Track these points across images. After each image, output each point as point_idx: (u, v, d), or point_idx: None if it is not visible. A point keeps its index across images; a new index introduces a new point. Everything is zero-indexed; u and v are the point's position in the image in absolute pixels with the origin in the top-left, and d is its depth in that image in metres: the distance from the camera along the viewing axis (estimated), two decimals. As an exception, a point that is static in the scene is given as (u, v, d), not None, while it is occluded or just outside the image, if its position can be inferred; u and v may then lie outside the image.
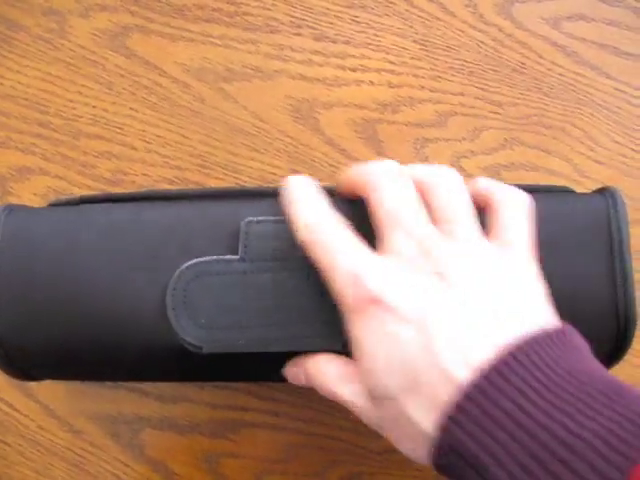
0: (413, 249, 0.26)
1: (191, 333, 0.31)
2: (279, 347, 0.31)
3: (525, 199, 0.30)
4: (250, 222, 0.32)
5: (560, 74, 0.45)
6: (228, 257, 0.32)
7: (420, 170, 0.29)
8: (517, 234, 0.28)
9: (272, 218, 0.32)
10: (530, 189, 0.36)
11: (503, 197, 0.29)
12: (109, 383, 0.43)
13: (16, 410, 0.43)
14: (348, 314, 0.27)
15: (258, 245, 0.32)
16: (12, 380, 0.43)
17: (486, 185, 0.30)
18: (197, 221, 0.33)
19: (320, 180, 0.43)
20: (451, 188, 0.29)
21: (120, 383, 0.43)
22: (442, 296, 0.25)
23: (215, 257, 0.32)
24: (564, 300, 0.32)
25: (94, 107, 0.46)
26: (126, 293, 0.32)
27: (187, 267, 0.31)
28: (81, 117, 0.46)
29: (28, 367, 0.35)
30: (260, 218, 0.32)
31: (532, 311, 0.26)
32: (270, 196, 0.35)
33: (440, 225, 0.28)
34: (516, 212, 0.29)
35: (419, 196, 0.28)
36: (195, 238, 0.32)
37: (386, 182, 0.28)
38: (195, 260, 0.32)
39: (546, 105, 0.45)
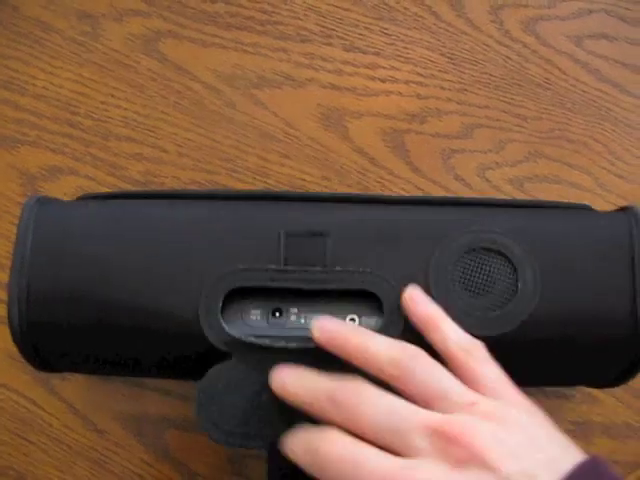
0: (435, 442, 0.24)
1: (221, 338, 0.31)
2: None
3: (479, 343, 0.29)
4: (288, 233, 0.33)
5: (583, 90, 0.47)
6: (260, 267, 0.32)
7: (380, 361, 0.28)
8: (498, 380, 0.27)
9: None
10: (551, 206, 0.37)
11: (462, 347, 0.29)
12: (134, 383, 0.43)
13: (40, 408, 0.43)
14: None
15: (297, 255, 0.32)
16: (37, 378, 0.43)
17: (442, 339, 0.29)
18: (230, 222, 0.34)
19: (349, 187, 0.44)
20: (421, 368, 0.27)
21: (144, 383, 0.43)
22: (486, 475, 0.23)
23: (247, 267, 0.32)
24: (586, 317, 0.33)
25: (125, 109, 0.46)
26: (157, 288, 0.32)
27: (221, 276, 0.32)
28: (112, 119, 0.46)
29: (54, 357, 0.35)
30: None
31: (563, 451, 0.25)
32: (304, 201, 0.36)
33: (435, 405, 0.26)
34: (482, 360, 0.28)
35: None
36: (228, 240, 0.33)
37: (357, 404, 0.26)
38: (228, 269, 0.32)
39: (569, 120, 0.46)
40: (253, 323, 0.33)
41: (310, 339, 0.31)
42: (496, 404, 0.26)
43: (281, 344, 0.31)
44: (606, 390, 0.42)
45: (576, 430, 0.43)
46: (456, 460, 0.24)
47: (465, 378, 0.27)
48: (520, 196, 0.45)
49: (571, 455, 0.25)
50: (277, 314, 0.33)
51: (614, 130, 0.46)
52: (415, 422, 0.25)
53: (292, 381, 0.29)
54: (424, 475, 0.24)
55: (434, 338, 0.29)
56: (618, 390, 0.42)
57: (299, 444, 0.27)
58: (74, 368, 0.38)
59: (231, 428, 0.31)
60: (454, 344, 0.28)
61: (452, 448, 0.24)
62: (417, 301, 0.30)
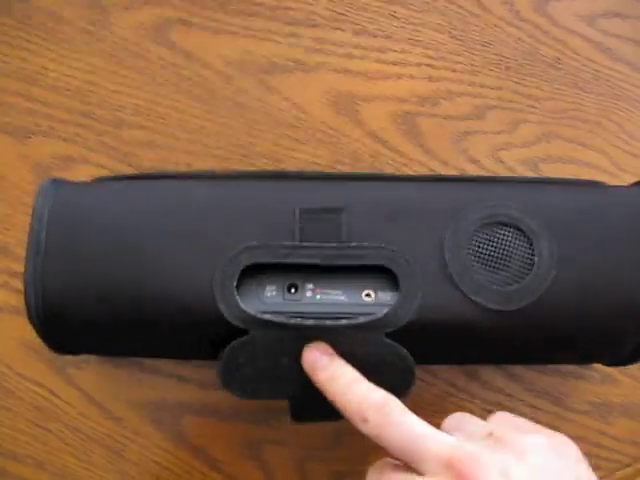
0: (444, 469, 0.25)
1: (236, 315, 0.31)
2: None
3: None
4: (303, 210, 0.33)
5: (595, 70, 0.46)
6: (275, 243, 0.32)
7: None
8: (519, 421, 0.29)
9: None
10: (566, 182, 0.36)
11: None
12: (149, 370, 0.43)
13: (57, 397, 0.43)
14: None
15: (312, 231, 0.32)
16: (53, 367, 0.43)
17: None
18: (246, 201, 0.34)
19: (361, 170, 0.44)
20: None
21: (160, 370, 0.43)
22: None
23: (262, 243, 0.32)
24: (603, 290, 0.32)
25: (137, 97, 0.46)
26: (173, 266, 0.32)
27: (237, 253, 0.32)
28: (124, 107, 0.46)
29: (70, 338, 0.35)
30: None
31: None
32: (317, 179, 0.36)
33: (456, 433, 0.28)
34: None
35: None
36: (244, 217, 0.33)
37: (382, 425, 0.27)
38: (243, 245, 0.32)
39: (582, 100, 0.46)
40: (269, 299, 0.33)
41: (325, 317, 0.31)
42: (516, 436, 0.26)
43: (297, 321, 0.31)
44: (624, 371, 0.42)
45: (595, 411, 0.42)
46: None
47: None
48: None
49: None
50: (292, 290, 0.33)
51: (628, 109, 0.46)
52: (430, 451, 0.26)
53: (323, 367, 0.30)
54: None
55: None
56: (636, 370, 0.42)
57: (348, 399, 0.29)
58: (90, 350, 0.38)
59: (257, 386, 0.32)
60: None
61: (460, 476, 0.24)
62: (315, 368, 0.31)
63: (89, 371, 0.43)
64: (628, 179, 0.45)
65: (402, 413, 0.27)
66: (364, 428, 0.27)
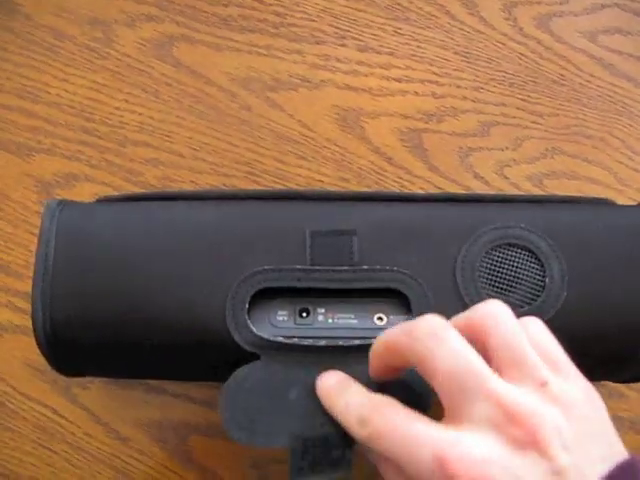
0: (499, 416, 0.23)
1: (248, 339, 0.31)
2: None
3: (538, 320, 0.28)
4: (314, 233, 0.32)
5: (598, 86, 0.47)
6: (287, 267, 0.32)
7: (465, 316, 0.26)
8: (561, 357, 0.26)
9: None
10: (574, 200, 0.36)
11: (525, 324, 0.27)
12: (155, 389, 0.43)
13: (62, 417, 0.43)
14: None
15: (323, 254, 0.32)
16: (57, 387, 0.43)
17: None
18: (255, 223, 0.33)
19: (367, 187, 0.44)
20: (506, 327, 0.25)
21: (166, 389, 0.43)
22: (548, 467, 0.23)
23: (273, 267, 0.32)
24: (614, 311, 0.32)
25: (140, 115, 0.46)
26: (183, 290, 0.32)
27: (247, 277, 0.32)
28: (127, 124, 0.46)
29: (77, 361, 0.34)
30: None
31: (610, 449, 0.24)
32: (326, 199, 0.36)
33: (507, 371, 0.25)
34: (544, 335, 0.27)
35: (475, 349, 0.25)
36: (254, 240, 0.33)
37: (436, 346, 0.25)
38: (254, 269, 0.32)
39: (585, 115, 0.46)
40: (280, 324, 0.32)
41: (338, 338, 0.31)
42: (565, 388, 0.25)
43: (309, 342, 0.31)
44: (632, 386, 0.42)
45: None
46: (513, 439, 0.23)
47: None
48: (539, 193, 0.45)
49: (616, 453, 0.24)
50: (304, 314, 0.33)
51: (631, 125, 0.46)
52: (486, 388, 0.24)
53: (337, 393, 0.28)
54: (479, 450, 0.23)
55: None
56: (644, 385, 0.42)
57: (353, 413, 0.26)
58: (96, 372, 0.38)
59: (256, 428, 0.30)
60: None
61: (514, 428, 0.23)
62: (327, 397, 0.29)
63: (94, 391, 0.43)
64: (632, 194, 0.45)
65: (460, 344, 0.25)
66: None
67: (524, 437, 0.23)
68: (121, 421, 0.43)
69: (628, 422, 0.42)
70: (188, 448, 0.42)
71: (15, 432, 0.42)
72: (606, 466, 0.23)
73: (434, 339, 0.25)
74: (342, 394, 0.28)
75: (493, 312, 0.26)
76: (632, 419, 0.42)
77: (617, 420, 0.42)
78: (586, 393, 0.25)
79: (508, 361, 0.25)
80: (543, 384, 0.25)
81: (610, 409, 0.42)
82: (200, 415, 0.43)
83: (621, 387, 0.42)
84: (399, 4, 0.47)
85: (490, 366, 0.25)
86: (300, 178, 0.45)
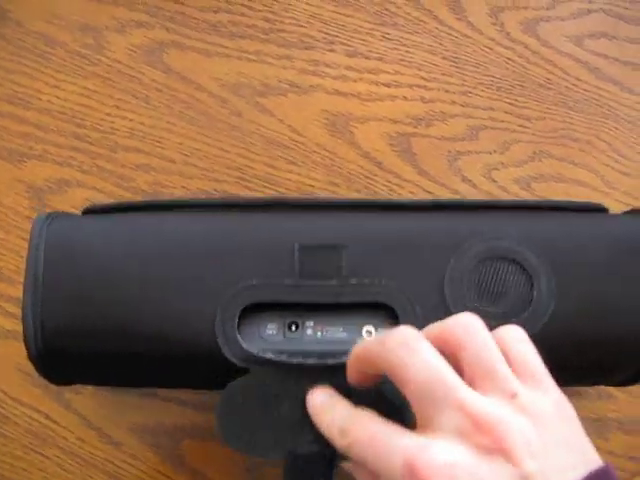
0: (467, 425, 0.24)
1: (237, 354, 0.31)
2: None
3: (519, 329, 0.28)
4: (303, 247, 0.33)
5: (585, 89, 0.47)
6: (275, 282, 0.32)
7: (438, 328, 0.27)
8: (536, 367, 0.27)
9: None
10: (563, 207, 0.36)
11: (504, 333, 0.28)
12: (147, 394, 0.43)
13: (54, 422, 0.43)
14: None
15: (312, 268, 0.32)
16: (49, 392, 0.43)
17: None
18: (244, 236, 0.33)
19: (357, 192, 0.44)
20: (478, 340, 0.26)
21: (158, 394, 0.43)
22: (514, 473, 0.23)
23: (262, 282, 0.32)
24: (602, 323, 0.33)
25: (131, 120, 0.46)
26: (171, 305, 0.32)
27: (237, 291, 0.32)
28: (118, 130, 0.46)
29: (68, 371, 0.35)
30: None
31: (581, 458, 0.25)
32: (314, 209, 0.36)
33: (479, 383, 0.25)
34: (522, 345, 0.27)
35: (448, 361, 0.26)
36: (242, 254, 0.33)
37: (407, 356, 0.25)
38: (243, 284, 0.32)
39: (572, 119, 0.47)
40: (269, 337, 0.33)
41: (326, 355, 0.31)
42: (535, 399, 0.25)
43: (298, 360, 0.31)
44: (621, 387, 0.42)
45: (591, 427, 0.43)
46: (481, 447, 0.23)
47: (509, 361, 0.27)
48: (527, 196, 0.45)
49: (589, 461, 0.24)
50: (293, 328, 0.33)
51: (617, 128, 0.47)
52: (455, 398, 0.24)
53: (325, 409, 0.29)
54: (447, 457, 0.23)
55: None
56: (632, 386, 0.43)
57: (336, 425, 0.27)
58: (88, 382, 0.38)
59: (252, 438, 0.31)
60: None
61: (482, 436, 0.24)
62: (315, 414, 0.30)
63: (87, 396, 0.43)
64: (618, 197, 0.46)
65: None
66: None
67: (491, 444, 0.23)
68: (114, 426, 0.43)
69: (616, 423, 0.43)
70: (181, 452, 0.43)
71: (7, 437, 0.42)
72: (578, 474, 0.23)
73: (406, 350, 0.25)
74: (329, 410, 0.29)
75: (465, 324, 0.26)
76: (620, 420, 0.43)
77: (606, 421, 0.43)
78: (557, 404, 0.26)
79: (479, 373, 0.26)
80: (513, 395, 0.25)
81: (599, 410, 0.43)
82: (193, 419, 0.43)
83: (610, 388, 0.43)
84: (387, 9, 0.48)
85: (463, 378, 0.25)
86: (290, 183, 0.45)
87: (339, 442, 0.27)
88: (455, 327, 0.26)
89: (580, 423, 0.26)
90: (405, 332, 0.26)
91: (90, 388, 0.43)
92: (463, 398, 0.24)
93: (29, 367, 0.38)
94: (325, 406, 0.29)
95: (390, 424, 0.26)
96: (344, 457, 0.28)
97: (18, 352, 0.42)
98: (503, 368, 0.26)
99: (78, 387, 0.43)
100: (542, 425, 0.25)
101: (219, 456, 0.42)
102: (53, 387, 0.42)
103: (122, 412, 0.43)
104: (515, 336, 0.27)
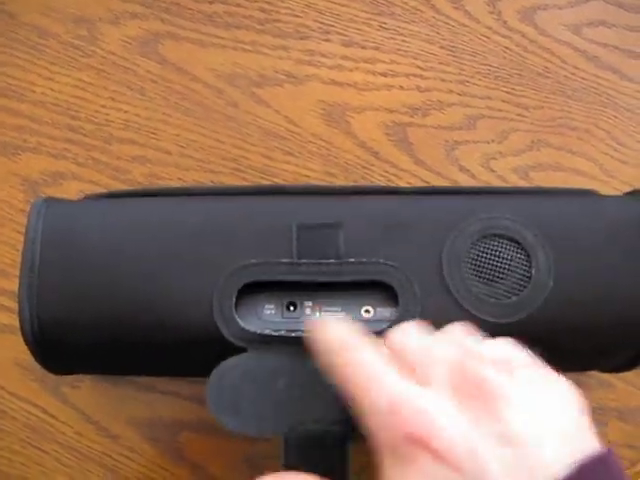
0: (457, 377, 0.24)
1: (236, 333, 0.31)
2: None
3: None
4: (300, 226, 0.32)
5: (583, 78, 0.47)
6: (273, 261, 0.32)
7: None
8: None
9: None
10: (560, 192, 0.37)
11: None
12: (145, 387, 0.43)
13: (52, 416, 0.43)
14: (382, 455, 0.23)
15: (310, 247, 0.32)
16: (46, 386, 0.43)
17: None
18: (241, 218, 0.33)
19: (354, 182, 0.44)
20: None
21: (156, 387, 0.43)
22: (497, 434, 0.22)
23: (260, 261, 0.32)
24: (600, 300, 0.33)
25: (126, 112, 0.46)
26: (170, 286, 0.32)
27: (234, 271, 0.32)
28: (113, 122, 0.46)
29: (65, 359, 0.34)
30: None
31: (580, 435, 0.23)
32: (312, 194, 0.36)
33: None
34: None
35: None
36: (240, 235, 0.33)
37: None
38: (241, 263, 0.32)
39: (570, 108, 0.46)
40: (268, 317, 0.33)
41: None
42: (528, 370, 0.25)
43: (297, 334, 0.31)
44: (619, 375, 0.42)
45: (591, 415, 0.43)
46: (467, 396, 0.23)
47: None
48: (525, 185, 0.45)
49: (586, 441, 0.23)
50: (292, 308, 0.33)
51: (616, 116, 0.46)
52: (437, 355, 0.25)
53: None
54: (425, 403, 0.23)
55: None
56: (631, 375, 0.42)
57: (334, 340, 0.27)
58: (85, 370, 0.38)
59: (246, 415, 0.30)
60: None
61: (461, 382, 0.23)
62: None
63: (84, 389, 0.43)
64: (617, 185, 0.45)
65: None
66: None
67: (475, 392, 0.23)
68: (111, 419, 0.43)
69: (616, 412, 0.43)
70: (179, 445, 0.42)
71: (4, 432, 0.42)
72: (575, 449, 0.22)
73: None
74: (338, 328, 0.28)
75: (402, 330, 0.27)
76: (619, 409, 0.43)
77: (605, 410, 0.43)
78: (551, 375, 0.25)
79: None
80: (510, 371, 0.24)
81: (598, 399, 0.43)
82: (191, 412, 0.43)
83: (609, 377, 0.43)
84: (384, -1, 0.47)
85: None
86: (287, 174, 0.45)
87: (333, 358, 0.26)
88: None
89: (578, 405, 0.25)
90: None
91: (87, 382, 0.43)
92: (449, 354, 0.25)
93: (27, 361, 0.39)
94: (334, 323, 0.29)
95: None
96: (353, 436, 0.28)
97: (15, 346, 0.42)
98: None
99: (75, 381, 0.43)
100: (535, 390, 0.24)
101: (218, 448, 0.42)
102: (51, 381, 0.42)
103: (120, 405, 0.43)
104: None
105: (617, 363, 0.36)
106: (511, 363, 0.25)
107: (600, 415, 0.43)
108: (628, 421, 0.43)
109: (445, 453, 0.21)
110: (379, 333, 0.30)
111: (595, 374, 0.43)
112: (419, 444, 0.22)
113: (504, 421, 0.22)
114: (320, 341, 0.27)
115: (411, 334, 0.27)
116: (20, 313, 0.32)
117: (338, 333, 0.27)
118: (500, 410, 0.22)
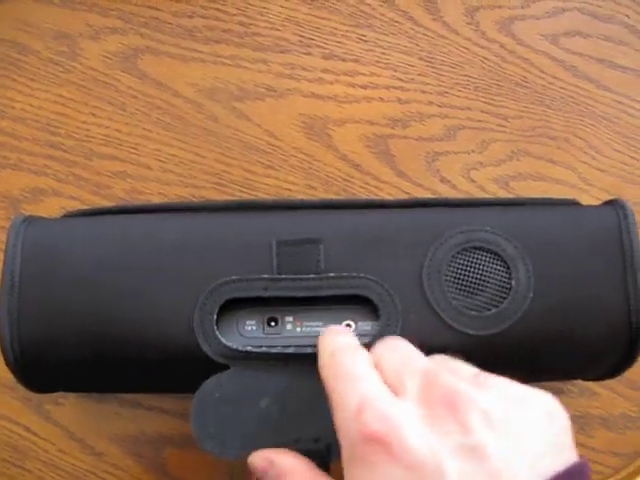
0: (430, 389, 0.24)
1: (217, 350, 0.31)
2: None
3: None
4: (280, 242, 0.32)
5: (561, 87, 0.47)
6: (254, 277, 0.32)
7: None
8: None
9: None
10: (540, 202, 0.37)
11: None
12: (129, 403, 0.43)
13: (34, 434, 0.42)
14: (344, 453, 0.24)
15: (290, 263, 0.32)
16: (29, 404, 0.42)
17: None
18: (221, 234, 0.33)
19: (335, 195, 0.44)
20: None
21: (140, 403, 0.43)
22: (464, 447, 0.22)
23: (240, 277, 0.32)
24: (580, 311, 0.33)
25: (107, 128, 0.46)
26: (150, 304, 0.32)
27: (215, 287, 0.32)
28: (94, 138, 0.46)
29: (47, 378, 0.34)
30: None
31: (554, 450, 0.23)
32: (293, 209, 0.36)
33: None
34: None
35: None
36: (220, 252, 0.33)
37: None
38: (221, 280, 0.32)
39: (549, 117, 0.47)
40: (249, 334, 0.33)
41: (307, 346, 0.31)
42: (504, 384, 0.25)
43: (278, 350, 0.31)
44: (603, 383, 0.42)
45: (574, 424, 0.42)
46: (438, 408, 0.23)
47: None
48: (506, 195, 0.45)
49: (562, 456, 0.23)
50: (272, 323, 0.33)
51: (594, 125, 0.47)
52: (415, 366, 0.25)
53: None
54: (394, 410, 0.23)
55: None
56: (614, 382, 0.43)
57: (331, 343, 0.28)
58: (67, 388, 0.37)
59: (227, 438, 0.30)
60: None
61: (433, 392, 0.23)
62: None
63: (68, 407, 0.42)
64: (596, 193, 0.46)
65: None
66: None
67: (443, 401, 0.23)
68: (95, 436, 0.42)
69: (599, 419, 0.43)
70: (163, 461, 0.42)
71: (-14, 452, 0.42)
72: (547, 463, 0.22)
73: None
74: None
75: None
76: (603, 416, 0.43)
77: (588, 418, 0.43)
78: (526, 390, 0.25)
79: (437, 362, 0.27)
80: (476, 375, 0.26)
81: (581, 407, 0.43)
82: (175, 427, 0.42)
83: (592, 385, 0.43)
84: (362, 11, 0.48)
85: None
86: (268, 187, 0.45)
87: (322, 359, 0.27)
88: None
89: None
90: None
91: (70, 399, 0.42)
92: (423, 365, 0.25)
93: (8, 379, 0.38)
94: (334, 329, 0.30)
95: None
96: (334, 457, 0.28)
97: (-3, 364, 0.42)
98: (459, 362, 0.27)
99: (58, 398, 0.42)
100: (509, 406, 0.24)
101: (201, 464, 0.42)
102: (33, 399, 0.42)
103: (103, 422, 0.42)
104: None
105: (600, 371, 0.36)
106: (488, 379, 0.25)
107: (584, 423, 0.43)
108: (612, 428, 0.43)
109: (404, 458, 0.21)
110: None
111: (578, 382, 0.43)
112: (379, 446, 0.22)
113: (472, 434, 0.22)
114: (320, 343, 0.28)
115: (394, 347, 0.27)
116: (0, 332, 0.32)
117: (336, 337, 0.28)
118: (469, 423, 0.22)
